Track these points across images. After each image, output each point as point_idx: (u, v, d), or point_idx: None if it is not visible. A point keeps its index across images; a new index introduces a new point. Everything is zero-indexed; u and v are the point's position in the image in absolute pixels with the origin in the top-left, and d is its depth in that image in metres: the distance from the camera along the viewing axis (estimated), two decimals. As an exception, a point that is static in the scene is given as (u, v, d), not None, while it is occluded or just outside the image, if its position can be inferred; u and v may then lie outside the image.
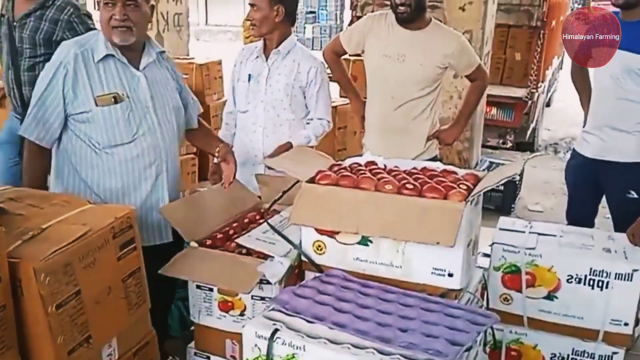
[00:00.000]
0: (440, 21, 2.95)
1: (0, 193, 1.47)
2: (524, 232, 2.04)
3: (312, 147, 2.59)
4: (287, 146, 2.51)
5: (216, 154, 2.32)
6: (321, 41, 17.48)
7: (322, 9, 20.36)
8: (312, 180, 1.69)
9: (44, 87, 2.00)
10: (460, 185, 1.62)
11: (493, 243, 1.97)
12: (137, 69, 2.09)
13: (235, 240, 1.73)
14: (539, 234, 2.03)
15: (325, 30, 18.57)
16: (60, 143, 2.08)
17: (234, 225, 1.95)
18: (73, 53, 2.00)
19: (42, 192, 1.55)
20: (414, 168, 1.82)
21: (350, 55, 3.63)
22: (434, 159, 2.85)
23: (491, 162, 4.86)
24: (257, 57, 2.68)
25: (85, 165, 2.05)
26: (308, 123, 2.72)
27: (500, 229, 2.07)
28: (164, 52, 2.23)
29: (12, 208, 1.36)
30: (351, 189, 1.63)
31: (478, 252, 1.78)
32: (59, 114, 2.01)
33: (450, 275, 1.53)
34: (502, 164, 5.08)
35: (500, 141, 6.11)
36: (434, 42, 2.75)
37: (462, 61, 2.85)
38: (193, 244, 1.78)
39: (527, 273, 1.91)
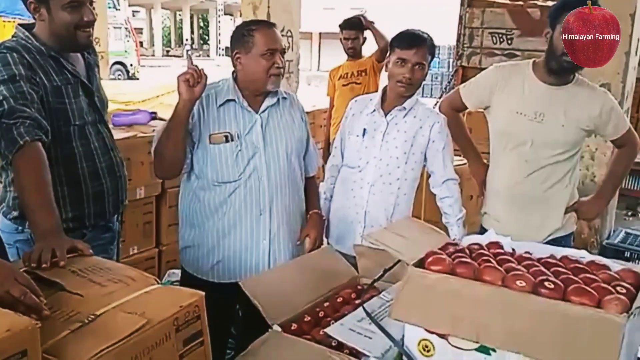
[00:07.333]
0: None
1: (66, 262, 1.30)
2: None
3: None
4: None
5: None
6: (431, 88, 17.30)
7: (434, 57, 20.20)
8: (420, 264, 1.39)
9: None
10: (617, 288, 1.24)
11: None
12: (257, 112, 2.19)
13: (324, 331, 1.45)
14: None
15: (436, 78, 18.33)
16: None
17: (325, 305, 1.67)
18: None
19: (111, 263, 1.37)
20: (552, 256, 1.45)
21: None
22: (569, 236, 2.42)
23: (628, 233, 4.20)
24: (374, 110, 2.45)
25: (196, 197, 2.20)
26: (441, 185, 2.47)
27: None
28: (285, 98, 2.29)
29: (72, 285, 1.17)
30: (471, 280, 1.30)
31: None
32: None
33: (602, 410, 1.16)
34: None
35: (629, 212, 5.38)
36: (578, 101, 2.35)
37: (609, 124, 2.42)
38: (276, 327, 1.52)
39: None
